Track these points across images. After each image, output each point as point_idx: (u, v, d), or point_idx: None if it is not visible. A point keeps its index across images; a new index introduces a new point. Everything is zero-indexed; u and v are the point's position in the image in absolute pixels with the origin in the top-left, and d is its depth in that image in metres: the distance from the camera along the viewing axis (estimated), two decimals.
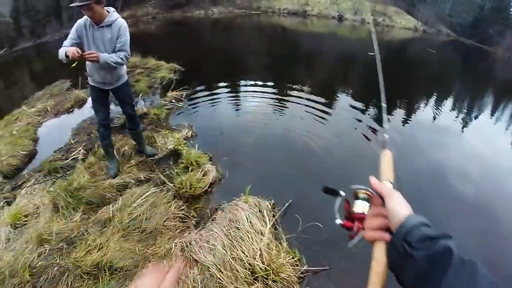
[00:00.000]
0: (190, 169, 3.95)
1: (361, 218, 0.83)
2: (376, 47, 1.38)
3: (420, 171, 5.21)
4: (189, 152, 4.26)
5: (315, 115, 6.65)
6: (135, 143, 4.41)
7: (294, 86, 8.34)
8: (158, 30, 15.65)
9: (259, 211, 3.35)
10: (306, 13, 28.03)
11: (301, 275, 2.82)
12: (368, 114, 7.38)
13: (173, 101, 6.40)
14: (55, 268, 2.61)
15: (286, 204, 3.65)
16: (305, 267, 2.89)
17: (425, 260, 0.60)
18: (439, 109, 9.20)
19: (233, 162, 4.45)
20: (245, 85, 8.24)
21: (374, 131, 6.33)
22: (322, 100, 7.57)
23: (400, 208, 0.72)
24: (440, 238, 0.62)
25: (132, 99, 3.90)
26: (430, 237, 0.63)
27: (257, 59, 12.11)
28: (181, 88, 6.87)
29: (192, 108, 6.30)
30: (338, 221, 0.86)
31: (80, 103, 6.51)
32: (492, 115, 10.86)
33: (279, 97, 7.55)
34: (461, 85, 14.67)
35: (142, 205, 3.22)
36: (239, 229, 3.01)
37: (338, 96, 8.44)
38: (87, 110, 6.12)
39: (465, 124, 8.67)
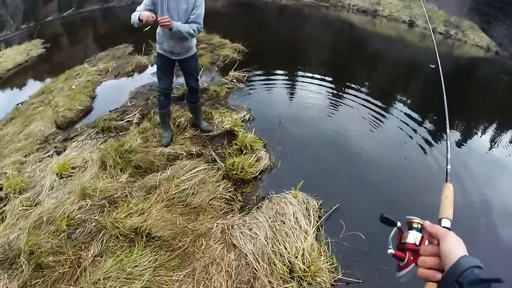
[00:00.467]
0: (244, 152, 3.77)
1: (413, 249, 0.83)
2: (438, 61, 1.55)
3: (477, 207, 4.66)
4: (245, 135, 4.10)
5: (374, 119, 6.27)
6: (192, 116, 4.31)
7: (352, 85, 7.94)
8: (224, 9, 15.61)
9: (306, 209, 3.16)
10: (377, 12, 26.80)
11: (333, 283, 2.68)
12: (428, 130, 6.85)
13: (234, 81, 6.21)
14: (93, 224, 2.56)
15: (334, 208, 3.40)
16: (340, 276, 2.73)
17: None
18: (499, 139, 8.35)
19: (286, 152, 4.23)
20: (304, 76, 7.91)
21: (434, 149, 5.81)
22: (381, 104, 7.13)
23: (454, 249, 0.71)
24: (492, 281, 0.60)
25: (197, 73, 3.83)
26: (482, 280, 0.61)
27: (320, 52, 11.65)
28: (243, 69, 6.67)
29: (252, 91, 6.10)
30: (391, 251, 0.86)
31: (141, 69, 6.55)
32: None
33: (338, 93, 7.24)
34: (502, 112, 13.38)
35: (190, 180, 3.08)
36: (284, 223, 2.84)
37: (396, 104, 7.90)
38: (147, 76, 6.13)
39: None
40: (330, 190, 3.78)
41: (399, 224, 0.88)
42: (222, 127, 4.32)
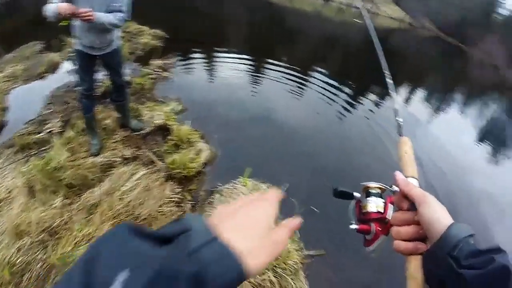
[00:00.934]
0: (181, 147, 3.67)
1: (378, 218, 0.74)
2: (369, 22, 1.47)
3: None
4: (179, 128, 3.97)
5: (298, 90, 6.64)
6: (119, 115, 3.99)
7: (273, 60, 8.25)
8: None
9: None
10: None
11: (302, 261, 2.80)
12: (349, 95, 7.42)
13: (157, 70, 5.91)
14: (39, 265, 2.28)
15: (285, 189, 3.50)
16: (306, 253, 2.87)
17: (478, 280, 0.51)
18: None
19: (224, 139, 4.21)
20: (227, 56, 7.91)
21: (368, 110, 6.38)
22: (302, 76, 7.61)
23: (437, 214, 0.61)
24: (494, 253, 0.53)
25: (122, 68, 3.51)
26: (482, 252, 0.53)
27: (240, 30, 11.81)
28: (166, 56, 6.41)
29: (178, 79, 5.87)
30: (353, 226, 0.77)
31: (54, 68, 5.90)
32: (461, 111, 11.53)
33: (260, 69, 7.50)
34: (436, 81, 15.36)
35: (133, 189, 2.91)
36: None
37: (317, 74, 8.37)
38: (62, 76, 5.56)
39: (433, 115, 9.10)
40: (276, 171, 3.88)
41: (357, 195, 0.79)
42: (154, 123, 4.10)
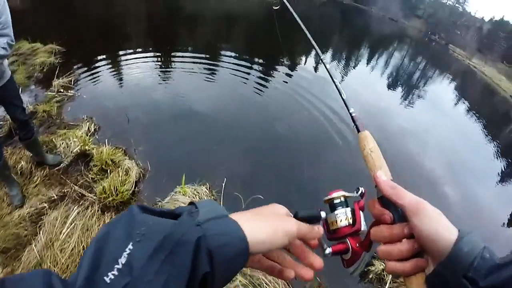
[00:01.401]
0: (108, 171, 3.56)
1: (351, 233, 0.63)
2: None
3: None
4: (99, 150, 3.83)
5: (209, 76, 6.95)
6: (32, 154, 3.67)
7: (178, 49, 8.57)
8: (25, 5, 13.13)
9: (200, 199, 3.23)
10: None
11: None
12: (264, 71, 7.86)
13: (61, 90, 5.51)
14: None
15: (223, 184, 3.62)
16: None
17: None
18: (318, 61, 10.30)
19: (149, 150, 4.18)
20: (128, 54, 7.76)
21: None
22: (211, 60, 7.92)
23: (438, 226, 0.51)
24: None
25: (21, 100, 3.11)
26: (501, 266, 0.46)
27: (137, 25, 11.48)
28: (68, 73, 5.97)
29: (84, 95, 5.51)
30: (328, 250, 0.64)
31: None
32: (368, 63, 12.93)
33: (167, 62, 7.61)
34: (341, 40, 16.54)
35: (72, 234, 2.78)
36: None
37: (225, 55, 8.65)
38: None
39: (345, 73, 10.11)
40: (210, 167, 3.95)
41: (323, 214, 0.64)
42: (71, 152, 3.88)
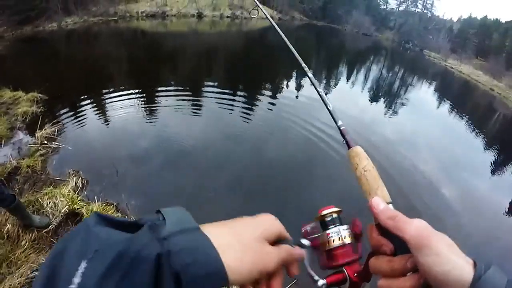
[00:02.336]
0: None
1: (344, 253, 0.56)
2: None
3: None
4: (89, 209, 3.66)
5: (193, 109, 7.01)
6: (16, 218, 3.47)
7: (161, 86, 8.56)
8: (7, 51, 13.13)
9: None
10: (165, 13, 27.84)
11: None
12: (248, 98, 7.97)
13: (45, 142, 5.35)
14: None
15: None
16: None
17: None
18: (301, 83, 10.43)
19: (143, 204, 4.02)
20: (112, 96, 7.79)
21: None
22: (193, 92, 8.10)
23: (452, 266, 0.41)
24: None
25: None
26: None
27: (119, 66, 11.62)
28: (51, 123, 5.84)
29: (69, 146, 5.32)
30: (321, 282, 0.56)
31: None
32: (348, 79, 13.37)
33: (150, 100, 7.66)
34: (319, 60, 17.14)
35: None
36: None
37: (206, 87, 8.81)
38: None
39: (327, 91, 10.38)
40: (208, 216, 3.77)
41: (306, 242, 0.59)
42: (59, 212, 3.68)
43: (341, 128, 0.75)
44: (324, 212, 0.59)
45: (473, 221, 4.89)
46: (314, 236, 0.61)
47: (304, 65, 1.06)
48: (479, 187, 6.36)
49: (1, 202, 3.11)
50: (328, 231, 0.57)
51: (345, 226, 0.58)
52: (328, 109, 0.81)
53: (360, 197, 0.59)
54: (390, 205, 0.54)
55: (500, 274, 0.40)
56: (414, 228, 0.45)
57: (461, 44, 48.92)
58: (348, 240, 0.56)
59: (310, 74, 1.02)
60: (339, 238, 0.56)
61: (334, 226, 0.58)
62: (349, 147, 0.69)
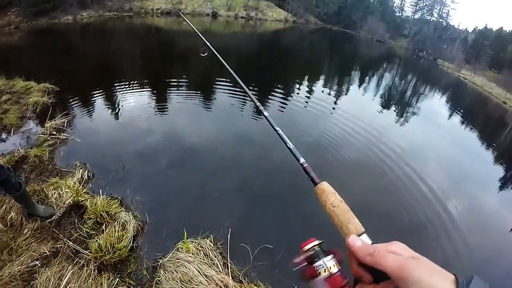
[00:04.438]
0: (103, 225, 3.35)
1: (333, 283, 0.58)
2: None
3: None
4: (94, 202, 3.62)
5: (206, 108, 7.02)
6: (20, 206, 3.48)
7: (172, 83, 8.69)
8: (22, 42, 13.35)
9: (205, 255, 3.03)
10: (180, 11, 27.77)
11: None
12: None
13: (54, 133, 5.37)
14: None
15: (228, 236, 3.42)
16: None
17: None
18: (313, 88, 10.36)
19: (148, 200, 3.96)
20: (125, 90, 7.86)
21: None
22: (201, 93, 7.93)
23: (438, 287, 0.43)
24: None
25: None
26: None
27: (132, 61, 11.67)
28: (61, 115, 5.86)
29: (78, 138, 5.33)
30: None
31: None
32: (360, 86, 13.30)
33: (161, 96, 7.69)
34: (332, 65, 17.10)
35: None
36: None
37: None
38: None
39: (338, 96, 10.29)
40: (212, 217, 3.77)
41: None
42: (64, 203, 3.66)
43: (304, 166, 0.79)
44: (306, 248, 0.62)
45: (478, 236, 4.79)
46: (304, 268, 0.63)
47: (259, 104, 1.12)
48: (487, 201, 6.22)
49: (7, 189, 3.12)
50: (314, 265, 0.60)
51: (329, 257, 0.60)
52: (288, 148, 0.86)
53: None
54: (364, 235, 0.59)
55: (482, 284, 0.42)
56: (391, 262, 0.48)
57: (475, 55, 48.31)
58: (335, 269, 0.59)
59: (266, 113, 1.07)
60: (325, 270, 0.59)
61: (318, 259, 0.60)
62: (315, 183, 0.72)
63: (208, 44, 1.73)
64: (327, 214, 0.66)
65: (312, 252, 0.61)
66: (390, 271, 0.47)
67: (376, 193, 5.02)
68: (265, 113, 1.01)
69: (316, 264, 0.60)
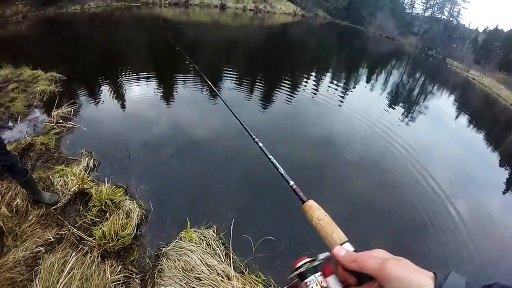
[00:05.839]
0: (108, 213, 3.37)
1: None
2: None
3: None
4: (98, 189, 3.65)
5: (210, 102, 6.93)
6: (26, 192, 3.51)
7: (178, 75, 8.59)
8: (30, 31, 13.41)
9: (208, 245, 3.04)
10: (188, 2, 27.70)
11: None
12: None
13: (61, 121, 5.40)
14: None
15: (231, 227, 3.43)
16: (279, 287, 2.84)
17: None
18: (319, 83, 10.29)
19: (152, 189, 3.99)
20: (131, 81, 7.88)
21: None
22: (213, 83, 8.00)
23: (418, 283, 0.47)
24: None
25: (3, 144, 2.90)
26: None
27: (139, 51, 11.75)
28: (68, 103, 5.89)
29: (84, 127, 5.35)
30: None
31: None
32: (368, 82, 13.17)
33: (167, 88, 7.69)
34: (340, 60, 16.98)
35: (70, 283, 2.57)
36: (201, 280, 2.64)
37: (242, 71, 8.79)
38: None
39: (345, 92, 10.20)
40: (216, 207, 3.78)
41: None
42: (69, 190, 3.69)
43: (293, 188, 0.90)
44: (298, 265, 0.68)
45: (480, 239, 4.76)
46: (297, 284, 0.69)
47: (254, 136, 1.25)
48: (492, 205, 6.13)
49: (14, 174, 3.14)
50: (305, 281, 0.66)
51: (319, 273, 0.67)
52: (279, 172, 0.99)
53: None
54: (347, 244, 0.67)
55: (459, 279, 0.46)
56: (372, 265, 0.54)
57: (485, 56, 47.71)
58: (325, 283, 0.65)
59: (260, 144, 1.21)
60: (317, 284, 0.65)
61: (310, 275, 0.66)
62: (303, 201, 0.82)
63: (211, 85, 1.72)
64: (314, 227, 0.75)
65: (304, 269, 0.67)
66: (373, 272, 0.53)
67: (380, 190, 5.00)
68: (260, 144, 1.16)
69: (308, 279, 0.66)
